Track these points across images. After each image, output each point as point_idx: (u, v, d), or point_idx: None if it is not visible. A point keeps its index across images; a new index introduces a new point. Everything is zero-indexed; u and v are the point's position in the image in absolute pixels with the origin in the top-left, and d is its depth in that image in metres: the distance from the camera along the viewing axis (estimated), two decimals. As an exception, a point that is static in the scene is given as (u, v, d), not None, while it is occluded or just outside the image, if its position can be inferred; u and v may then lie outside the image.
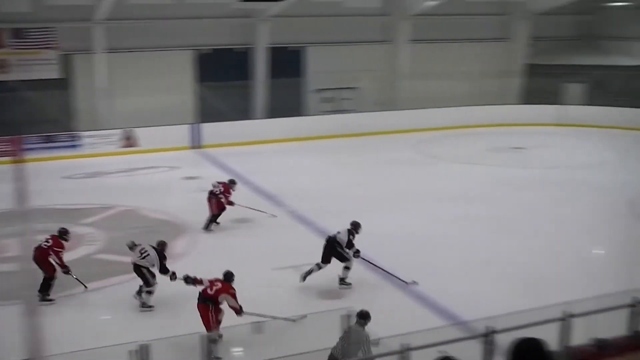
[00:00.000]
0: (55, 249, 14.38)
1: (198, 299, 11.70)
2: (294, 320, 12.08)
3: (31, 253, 14.32)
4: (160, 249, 13.74)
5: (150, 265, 13.67)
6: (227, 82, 31.29)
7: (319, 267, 14.53)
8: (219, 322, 11.65)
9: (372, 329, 9.43)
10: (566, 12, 37.04)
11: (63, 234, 14.77)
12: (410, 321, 11.33)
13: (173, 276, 13.33)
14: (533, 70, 36.21)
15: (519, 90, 36.39)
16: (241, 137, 29.70)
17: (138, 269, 13.78)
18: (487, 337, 6.84)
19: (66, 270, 14.39)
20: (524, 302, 12.77)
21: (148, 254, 13.70)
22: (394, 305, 13.51)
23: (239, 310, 11.70)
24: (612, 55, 36.16)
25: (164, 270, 13.50)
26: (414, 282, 14.26)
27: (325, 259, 14.57)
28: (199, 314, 11.60)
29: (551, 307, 7.55)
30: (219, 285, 11.77)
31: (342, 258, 14.65)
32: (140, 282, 13.80)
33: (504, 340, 5.98)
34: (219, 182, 18.76)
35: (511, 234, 18.05)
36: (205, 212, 18.39)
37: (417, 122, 32.85)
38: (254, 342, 11.01)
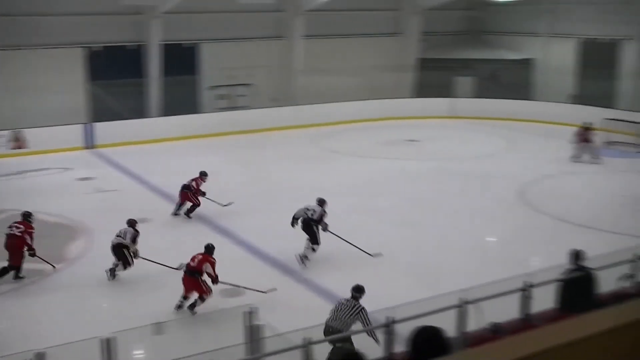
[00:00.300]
0: (30, 231, 14.73)
1: (185, 272, 13.15)
2: (264, 292, 13.27)
3: None
4: (132, 225, 14.94)
5: (131, 241, 14.62)
6: (120, 80, 30.64)
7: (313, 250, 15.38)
8: (210, 288, 13.12)
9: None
10: (455, 8, 38.02)
11: (28, 216, 15.11)
12: (311, 314, 11.40)
13: (136, 253, 14.64)
14: (425, 65, 36.98)
15: (412, 84, 37.10)
16: (136, 136, 29.16)
17: (119, 249, 14.60)
18: (388, 327, 6.97)
19: (33, 252, 14.66)
20: (423, 291, 13.06)
21: (126, 232, 14.74)
22: (295, 299, 13.60)
23: (215, 279, 13.11)
24: (500, 50, 37.36)
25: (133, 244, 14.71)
26: (379, 254, 15.41)
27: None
28: (183, 286, 13.10)
29: (448, 295, 7.75)
30: (200, 256, 13.19)
31: (314, 239, 15.35)
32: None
33: (404, 330, 6.11)
34: (192, 179, 19.06)
35: (408, 225, 18.40)
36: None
37: (314, 117, 33.02)
38: (155, 343, 10.87)
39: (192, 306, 13.09)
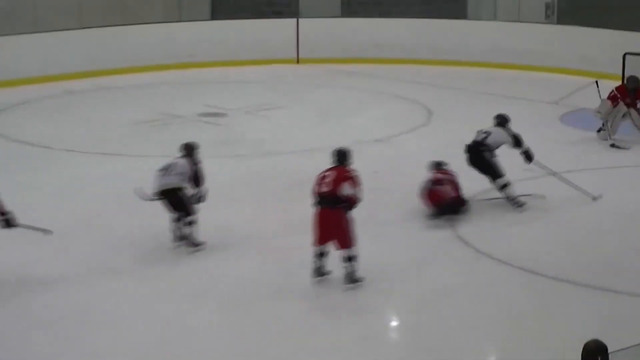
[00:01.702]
0: None
1: (318, 203, 7.87)
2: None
3: None
4: (189, 153, 9.02)
5: (185, 180, 8.83)
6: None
7: None
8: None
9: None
10: None
11: None
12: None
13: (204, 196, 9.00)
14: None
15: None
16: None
17: (172, 194, 8.81)
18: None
19: (9, 217, 8.14)
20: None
21: (177, 165, 8.90)
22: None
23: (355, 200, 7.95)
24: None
25: (199, 181, 8.97)
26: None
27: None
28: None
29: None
30: (334, 173, 7.99)
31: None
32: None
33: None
34: None
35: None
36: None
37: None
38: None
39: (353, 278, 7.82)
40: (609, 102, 12.26)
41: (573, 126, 13.60)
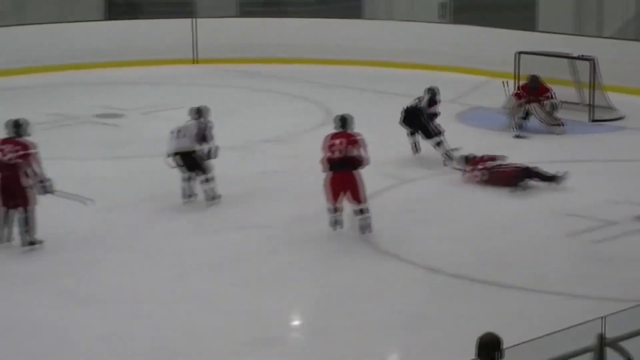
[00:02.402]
0: (31, 151, 8.60)
1: (330, 168, 8.71)
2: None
3: None
4: (200, 115, 9.93)
5: (196, 141, 9.72)
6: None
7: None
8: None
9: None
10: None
11: (19, 126, 8.79)
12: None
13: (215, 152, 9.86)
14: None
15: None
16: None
17: (187, 156, 9.70)
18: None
19: (48, 184, 8.67)
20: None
21: (188, 127, 9.81)
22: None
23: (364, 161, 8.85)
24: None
25: (208, 139, 9.85)
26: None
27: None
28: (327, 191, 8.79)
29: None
30: (343, 139, 8.79)
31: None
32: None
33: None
34: None
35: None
36: None
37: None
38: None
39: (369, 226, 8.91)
40: (514, 99, 13.34)
41: (470, 124, 13.89)
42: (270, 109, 14.92)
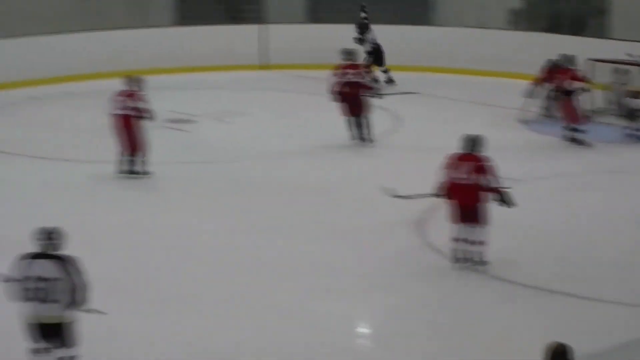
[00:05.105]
0: (139, 94, 11.02)
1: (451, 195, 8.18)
2: None
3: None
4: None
5: None
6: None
7: None
8: None
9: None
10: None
11: (137, 81, 11.31)
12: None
13: None
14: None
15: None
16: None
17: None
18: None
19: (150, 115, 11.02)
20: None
21: None
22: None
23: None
24: None
25: None
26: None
27: None
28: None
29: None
30: (470, 162, 8.09)
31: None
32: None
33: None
34: None
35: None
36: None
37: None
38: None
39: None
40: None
41: (537, 131, 13.75)
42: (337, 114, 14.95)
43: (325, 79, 13.00)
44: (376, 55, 16.42)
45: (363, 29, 16.50)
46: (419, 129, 13.71)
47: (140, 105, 10.83)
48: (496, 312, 7.61)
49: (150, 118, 10.90)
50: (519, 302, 7.81)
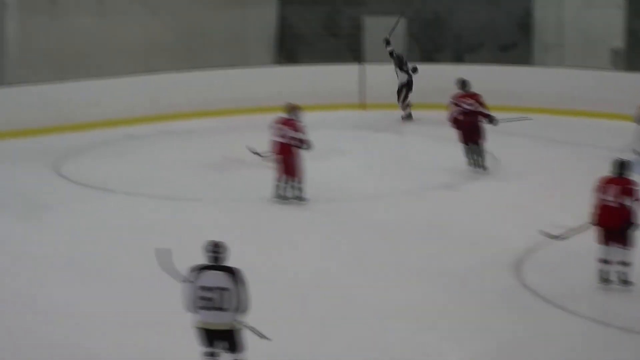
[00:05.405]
0: (298, 124, 11.95)
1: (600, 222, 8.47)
2: None
3: None
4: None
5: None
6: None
7: None
8: None
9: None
10: None
11: (296, 110, 12.13)
12: None
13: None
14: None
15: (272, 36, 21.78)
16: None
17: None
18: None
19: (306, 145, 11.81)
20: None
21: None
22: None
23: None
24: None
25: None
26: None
27: None
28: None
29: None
30: (619, 186, 8.40)
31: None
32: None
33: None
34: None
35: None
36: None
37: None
38: None
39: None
40: None
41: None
42: (438, 154, 14.86)
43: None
44: (408, 87, 17.08)
45: (401, 61, 17.23)
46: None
47: (300, 135, 11.69)
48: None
49: (308, 148, 11.69)
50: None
